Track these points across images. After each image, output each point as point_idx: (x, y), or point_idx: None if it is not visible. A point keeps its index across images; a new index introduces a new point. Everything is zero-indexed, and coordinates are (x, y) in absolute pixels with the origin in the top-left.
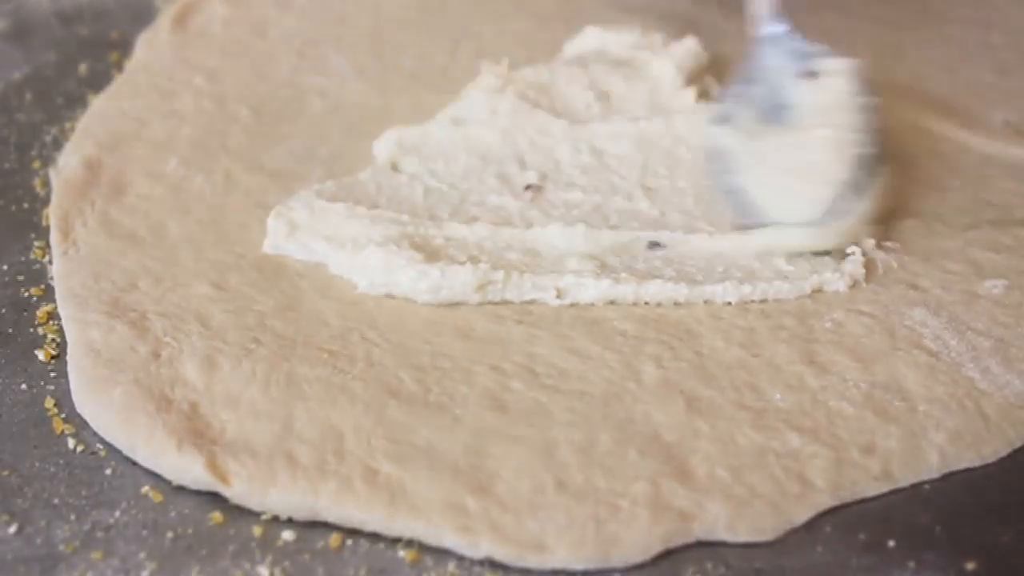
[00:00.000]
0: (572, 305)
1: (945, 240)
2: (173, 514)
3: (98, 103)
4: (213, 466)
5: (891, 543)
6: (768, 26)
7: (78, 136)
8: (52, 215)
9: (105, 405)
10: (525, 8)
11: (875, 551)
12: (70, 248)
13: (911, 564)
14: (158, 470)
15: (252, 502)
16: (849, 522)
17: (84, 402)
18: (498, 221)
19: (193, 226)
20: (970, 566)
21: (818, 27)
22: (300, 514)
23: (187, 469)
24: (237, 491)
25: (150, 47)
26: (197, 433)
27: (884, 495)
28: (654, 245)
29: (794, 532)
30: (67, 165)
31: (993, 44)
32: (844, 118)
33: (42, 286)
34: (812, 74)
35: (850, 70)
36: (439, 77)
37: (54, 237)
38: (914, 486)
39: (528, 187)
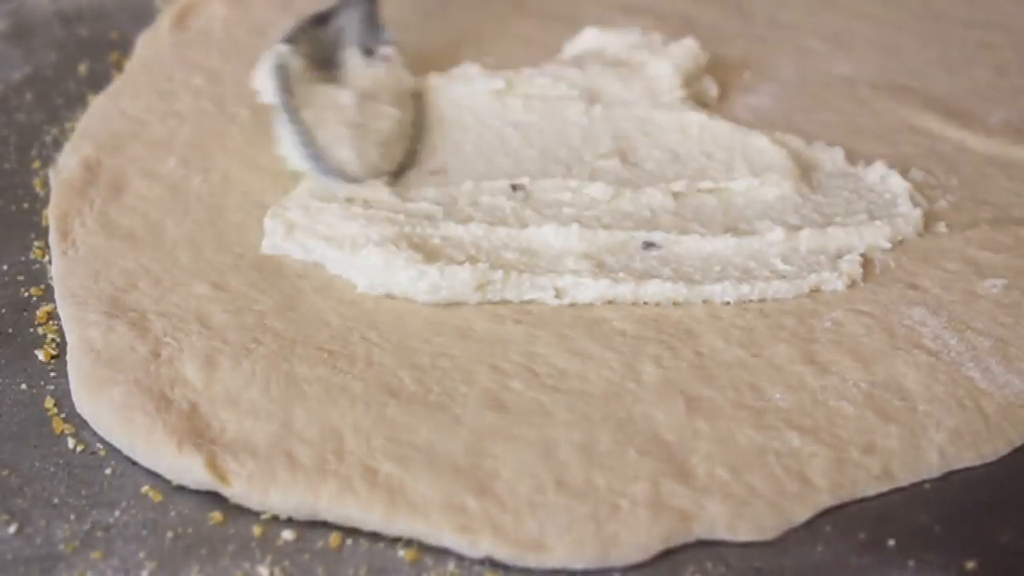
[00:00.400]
0: (571, 305)
1: (944, 240)
2: (173, 514)
3: (97, 103)
4: (213, 466)
5: (891, 542)
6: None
7: (77, 136)
8: (51, 215)
9: (105, 405)
10: (525, 9)
11: (875, 550)
12: (69, 248)
13: (911, 563)
14: (158, 470)
15: (252, 502)
16: (849, 521)
17: (84, 402)
18: (493, 221)
19: (192, 226)
20: (970, 566)
21: (818, 27)
22: (300, 514)
23: (187, 469)
24: (237, 491)
25: (150, 47)
26: (197, 433)
27: (884, 494)
28: (649, 245)
29: (794, 531)
30: (66, 165)
31: (993, 44)
32: (405, 111)
33: (42, 286)
34: (369, 51)
35: (402, 63)
36: None
37: (53, 237)
38: (914, 485)
39: (515, 187)
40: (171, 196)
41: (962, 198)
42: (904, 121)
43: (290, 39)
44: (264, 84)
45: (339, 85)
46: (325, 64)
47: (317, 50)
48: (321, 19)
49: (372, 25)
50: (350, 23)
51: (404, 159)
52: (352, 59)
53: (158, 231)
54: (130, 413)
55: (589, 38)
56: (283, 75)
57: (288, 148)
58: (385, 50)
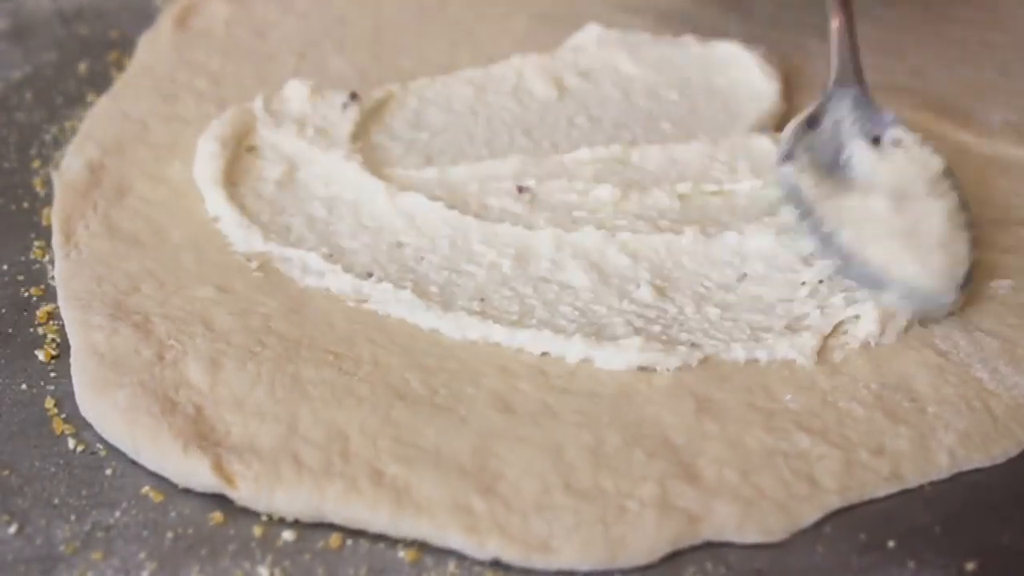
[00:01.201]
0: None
1: None
2: (173, 514)
3: (100, 105)
4: (219, 468)
5: (891, 543)
6: (843, 82)
7: (81, 139)
8: (54, 218)
9: (110, 408)
10: (525, 8)
11: (875, 551)
12: (72, 251)
13: (911, 564)
14: (163, 473)
15: (258, 504)
16: (850, 522)
17: (88, 405)
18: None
19: (196, 228)
20: (970, 566)
21: (818, 27)
22: (306, 516)
23: (193, 472)
24: (243, 493)
25: (152, 48)
26: (202, 435)
27: (885, 495)
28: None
29: (795, 532)
30: (70, 168)
31: (993, 44)
32: (947, 192)
33: (42, 286)
34: (876, 139)
35: (916, 141)
36: None
37: (56, 240)
38: (916, 486)
39: (521, 189)
40: (175, 199)
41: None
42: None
43: (788, 155)
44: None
45: (859, 190)
46: (831, 169)
47: (820, 156)
48: (811, 120)
49: (869, 110)
50: (842, 115)
51: (972, 252)
52: (860, 154)
53: (162, 234)
54: (135, 416)
55: (590, 35)
56: (797, 198)
57: (848, 283)
58: (894, 132)
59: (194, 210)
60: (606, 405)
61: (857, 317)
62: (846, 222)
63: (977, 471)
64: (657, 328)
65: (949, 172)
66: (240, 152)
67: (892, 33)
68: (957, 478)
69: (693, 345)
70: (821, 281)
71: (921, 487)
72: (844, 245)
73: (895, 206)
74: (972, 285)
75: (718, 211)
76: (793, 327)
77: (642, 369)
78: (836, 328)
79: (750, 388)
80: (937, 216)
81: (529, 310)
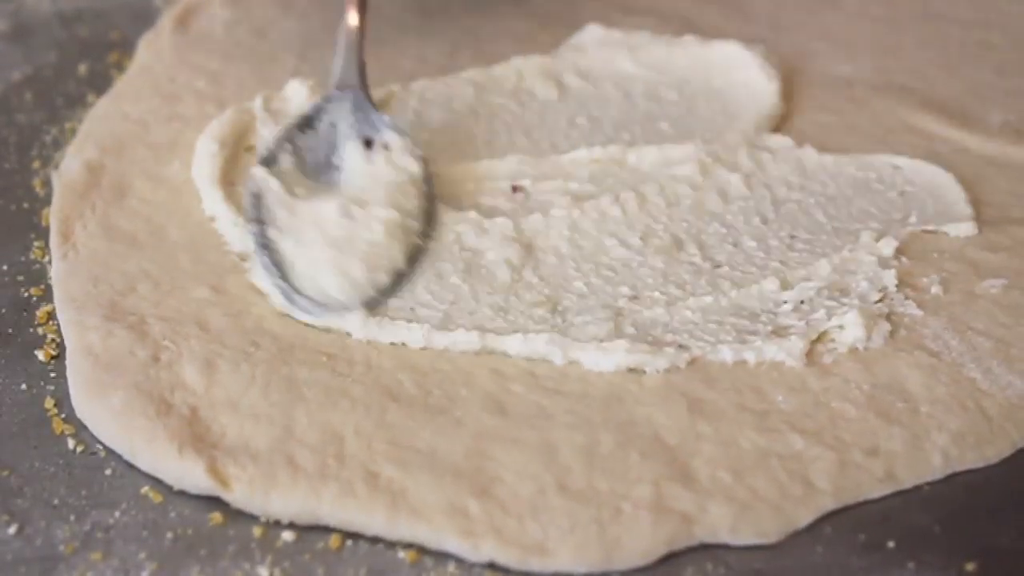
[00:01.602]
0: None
1: (943, 240)
2: (173, 514)
3: (100, 106)
4: (214, 470)
5: (891, 544)
6: (342, 76)
7: (80, 139)
8: (52, 218)
9: (105, 410)
10: (525, 9)
11: (875, 552)
12: (70, 251)
13: (911, 565)
14: (158, 475)
15: (253, 506)
16: (849, 523)
17: (84, 407)
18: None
19: (194, 229)
20: (970, 566)
21: (818, 27)
22: (301, 518)
23: (188, 474)
24: (238, 496)
25: (152, 49)
26: (197, 437)
27: (884, 496)
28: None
29: (794, 533)
30: (69, 168)
31: (993, 44)
32: (406, 202)
33: (42, 286)
34: (369, 142)
35: (409, 148)
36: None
37: (54, 240)
38: (914, 487)
39: (515, 189)
40: (174, 199)
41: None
42: (904, 121)
43: (270, 158)
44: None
45: (326, 196)
46: (325, 169)
47: (312, 156)
48: (307, 121)
49: (368, 112)
50: (341, 117)
51: (407, 256)
52: (350, 157)
53: (159, 234)
54: (130, 418)
55: (591, 35)
56: (255, 204)
57: (267, 286)
58: (385, 136)
59: (193, 210)
60: (598, 406)
61: (841, 327)
62: (296, 229)
63: (976, 472)
64: (642, 330)
65: (426, 179)
66: (239, 152)
67: (892, 33)
68: (956, 479)
69: (680, 346)
70: (803, 302)
71: (920, 488)
72: (281, 253)
73: (343, 213)
74: (391, 298)
75: (710, 217)
76: (779, 333)
77: (631, 371)
78: (823, 335)
79: (740, 389)
80: (375, 226)
81: (510, 310)
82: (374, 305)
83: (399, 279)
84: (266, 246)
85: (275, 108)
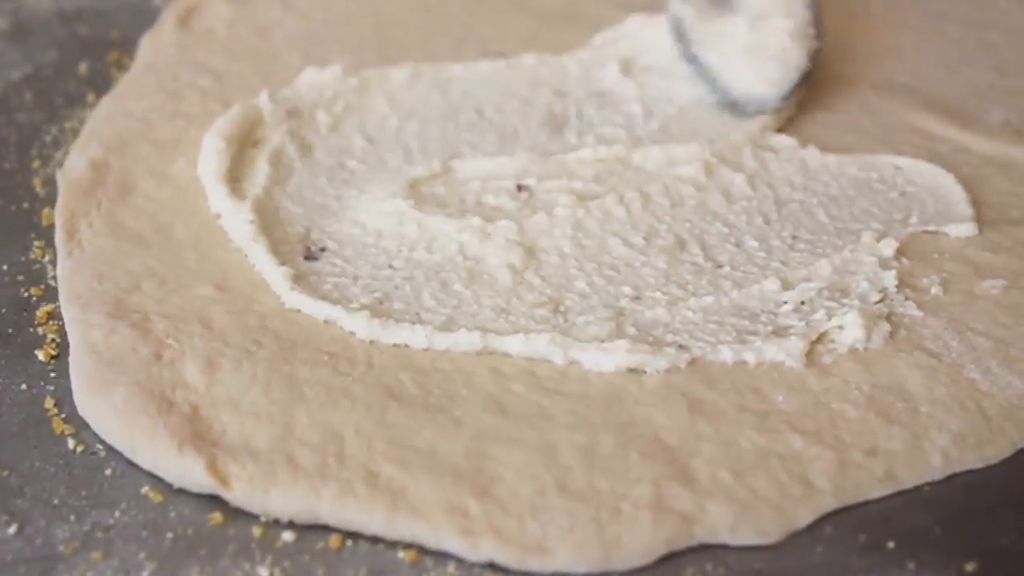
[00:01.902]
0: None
1: (943, 240)
2: (173, 514)
3: (103, 104)
4: (214, 468)
5: (891, 544)
6: None
7: (84, 137)
8: (58, 216)
9: (106, 407)
10: (527, 7)
11: (875, 552)
12: (75, 249)
13: (911, 565)
14: (159, 472)
15: (253, 505)
16: (849, 523)
17: (85, 404)
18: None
19: (199, 226)
20: (970, 567)
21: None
22: (301, 518)
23: (188, 472)
24: (238, 494)
25: (155, 47)
26: (198, 435)
27: (884, 496)
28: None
29: (794, 533)
30: (73, 166)
31: (993, 44)
32: (798, 12)
33: (42, 286)
34: None
35: None
36: None
37: (59, 238)
38: (914, 487)
39: (520, 188)
40: (179, 197)
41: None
42: (904, 121)
43: None
44: (664, 38)
45: (730, 14)
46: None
47: None
48: None
49: None
50: None
51: (808, 62)
52: None
53: (164, 231)
54: (131, 416)
55: (630, 28)
56: (677, 27)
57: (701, 93)
58: None
59: (198, 207)
60: (598, 406)
61: (841, 328)
62: (712, 44)
63: (976, 472)
64: (643, 330)
65: None
66: (245, 149)
67: (892, 33)
68: (956, 479)
69: (680, 347)
70: (803, 302)
71: (920, 488)
72: (706, 63)
73: (751, 25)
74: (805, 88)
75: (712, 217)
76: (779, 333)
77: (631, 371)
78: (823, 336)
79: (740, 389)
80: (781, 33)
81: (512, 311)
82: (789, 99)
83: (806, 76)
84: (695, 62)
85: (283, 97)
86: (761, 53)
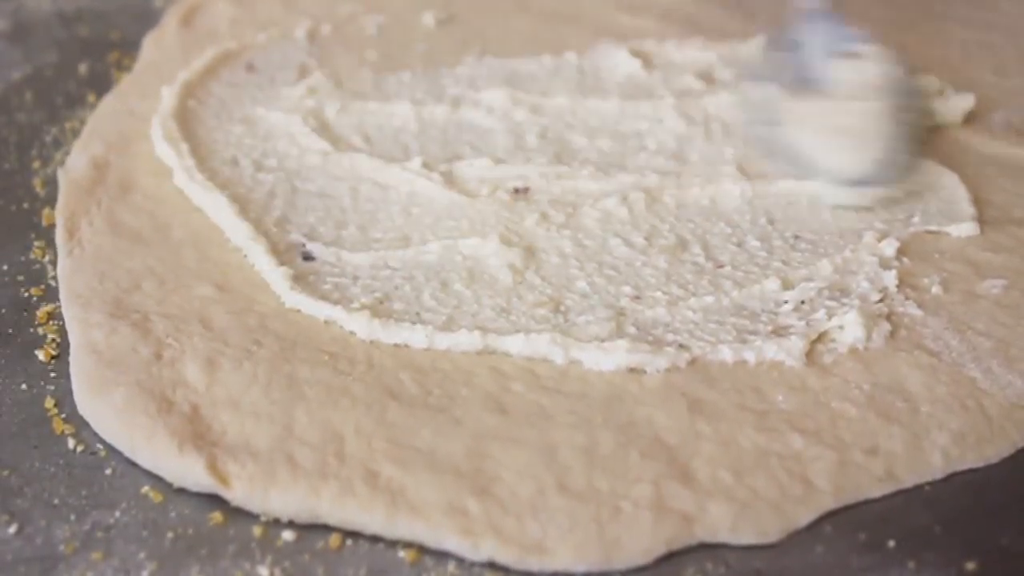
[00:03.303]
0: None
1: (943, 240)
2: (173, 514)
3: (105, 103)
4: (214, 468)
5: (891, 543)
6: (809, 3)
7: (86, 136)
8: (59, 214)
9: (107, 406)
10: (529, 8)
11: (875, 551)
12: (75, 248)
13: (911, 564)
14: (159, 472)
15: (253, 504)
16: (849, 522)
17: (86, 403)
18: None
19: (199, 225)
20: (970, 566)
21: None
22: (301, 517)
23: (188, 471)
24: (238, 494)
25: (157, 47)
26: (198, 435)
27: (884, 496)
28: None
29: (794, 533)
30: (74, 165)
31: (993, 44)
32: (891, 96)
33: (42, 286)
34: (849, 55)
35: (888, 56)
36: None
37: (60, 236)
38: (914, 486)
39: (516, 190)
40: (179, 196)
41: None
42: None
43: (758, 73)
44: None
45: (815, 96)
46: (802, 84)
47: (787, 74)
48: (781, 43)
49: (840, 32)
50: (813, 37)
51: (914, 138)
52: (831, 68)
53: (165, 230)
54: (132, 415)
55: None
56: (754, 110)
57: (791, 173)
58: (858, 47)
59: (197, 207)
60: (598, 406)
61: (841, 327)
62: (793, 122)
63: (977, 471)
64: (643, 330)
65: (908, 78)
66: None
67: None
68: (956, 478)
69: (681, 346)
70: (803, 302)
71: (920, 487)
72: (784, 139)
73: (842, 108)
74: (911, 177)
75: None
76: (779, 332)
77: (632, 371)
78: (823, 335)
79: (740, 389)
80: (877, 114)
81: (512, 311)
82: (903, 177)
83: (916, 157)
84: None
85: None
86: (849, 132)
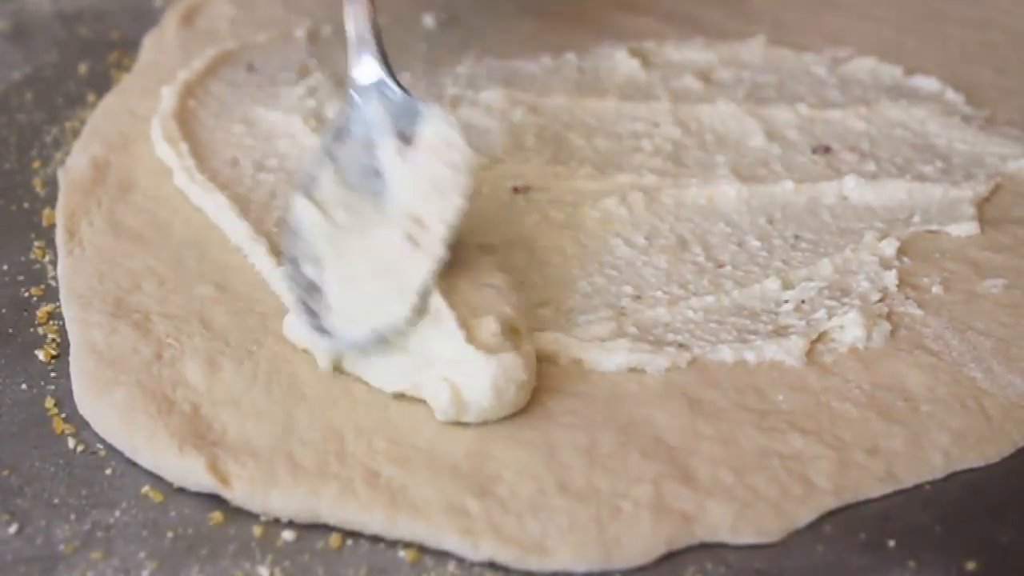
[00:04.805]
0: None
1: (944, 239)
2: (173, 514)
3: (106, 103)
4: (214, 468)
5: (891, 543)
6: (361, 69)
7: (86, 136)
8: (59, 214)
9: (107, 406)
10: (529, 9)
11: (875, 551)
12: (76, 248)
13: (911, 564)
14: (159, 472)
15: (253, 504)
16: (849, 522)
17: (86, 403)
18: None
19: (199, 225)
20: (970, 566)
21: (818, 27)
22: (301, 517)
23: (188, 471)
24: (238, 494)
25: (157, 47)
26: (198, 435)
27: (885, 495)
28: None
29: (794, 532)
30: (74, 165)
31: (993, 44)
32: (436, 206)
33: (42, 286)
34: (406, 137)
35: (450, 134)
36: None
37: (60, 236)
38: (914, 486)
39: (516, 190)
40: (179, 196)
41: None
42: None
43: (308, 181)
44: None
45: (381, 207)
46: (368, 176)
47: (353, 164)
48: (340, 131)
49: (396, 103)
50: (371, 114)
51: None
52: (388, 160)
53: (165, 230)
54: (132, 415)
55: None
56: (290, 242)
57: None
58: (420, 130)
59: (197, 207)
60: (599, 406)
61: (841, 327)
62: (345, 263)
63: (977, 471)
64: (643, 330)
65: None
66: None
67: (892, 33)
68: (956, 478)
69: (681, 346)
70: (803, 301)
71: (920, 487)
72: (328, 296)
73: (404, 239)
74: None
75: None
76: (780, 332)
77: (632, 370)
78: (823, 335)
79: (741, 389)
80: (439, 247)
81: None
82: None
83: (416, 302)
84: (304, 287)
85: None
86: (381, 277)
